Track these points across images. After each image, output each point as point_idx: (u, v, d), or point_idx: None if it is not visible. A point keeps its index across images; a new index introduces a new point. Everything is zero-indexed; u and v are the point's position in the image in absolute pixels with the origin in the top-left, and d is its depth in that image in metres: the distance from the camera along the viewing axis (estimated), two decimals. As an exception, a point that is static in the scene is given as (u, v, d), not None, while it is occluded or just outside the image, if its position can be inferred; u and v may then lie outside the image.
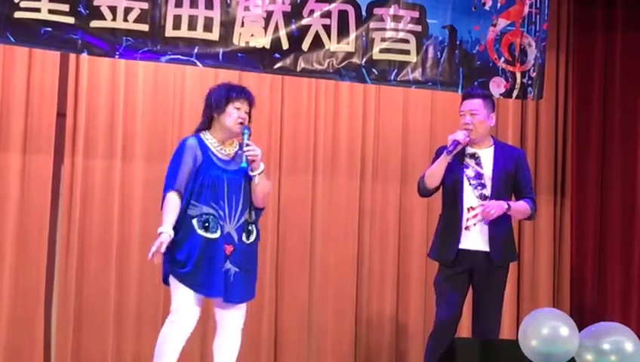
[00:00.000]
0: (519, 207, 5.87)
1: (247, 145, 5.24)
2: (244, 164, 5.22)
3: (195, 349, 6.59)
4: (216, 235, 5.19)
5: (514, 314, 7.51)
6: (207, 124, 5.35)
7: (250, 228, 5.30)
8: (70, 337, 6.68)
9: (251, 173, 5.25)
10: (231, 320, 5.31)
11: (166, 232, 5.13)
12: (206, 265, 5.15)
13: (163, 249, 5.12)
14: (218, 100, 5.31)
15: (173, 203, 5.19)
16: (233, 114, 5.28)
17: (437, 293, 5.88)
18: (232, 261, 5.20)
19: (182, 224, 5.19)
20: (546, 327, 4.80)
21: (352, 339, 7.29)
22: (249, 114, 5.35)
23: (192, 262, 5.15)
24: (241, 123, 5.28)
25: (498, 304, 5.87)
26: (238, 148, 5.31)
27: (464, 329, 6.56)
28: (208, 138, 5.31)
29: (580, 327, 4.88)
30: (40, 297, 6.65)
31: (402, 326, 7.40)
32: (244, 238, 5.26)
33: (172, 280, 5.23)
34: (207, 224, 5.18)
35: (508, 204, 5.78)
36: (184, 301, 5.19)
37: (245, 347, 6.99)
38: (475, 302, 5.87)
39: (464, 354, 5.31)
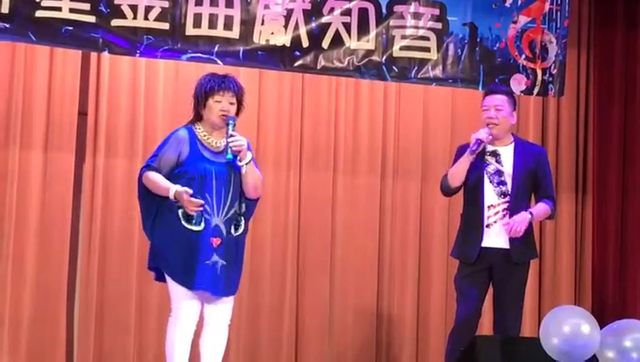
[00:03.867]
0: (540, 211, 5.87)
1: (232, 135, 5.14)
2: (229, 156, 5.13)
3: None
4: (199, 228, 5.10)
5: (535, 311, 7.48)
6: (197, 116, 5.30)
7: (239, 220, 5.25)
8: (92, 335, 6.69)
9: (239, 164, 5.17)
10: (217, 316, 5.23)
11: (174, 187, 5.06)
12: (190, 258, 5.08)
13: (190, 195, 5.03)
14: (199, 95, 5.26)
15: (155, 175, 5.15)
16: (214, 108, 5.20)
17: (457, 291, 5.89)
18: (219, 253, 5.11)
19: (164, 215, 5.14)
20: (568, 325, 4.79)
21: (373, 338, 7.28)
22: (238, 103, 5.26)
23: (177, 255, 5.09)
24: (223, 115, 5.19)
25: (519, 301, 5.86)
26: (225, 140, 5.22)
27: (485, 326, 6.56)
28: (199, 129, 5.25)
29: (602, 325, 4.86)
30: (62, 296, 6.68)
31: (423, 324, 7.38)
32: (232, 231, 5.20)
33: (167, 276, 5.19)
34: (190, 216, 5.09)
35: (530, 213, 5.76)
36: (179, 297, 5.15)
37: (266, 346, 7.09)
38: (496, 300, 5.86)
39: (485, 351, 5.30)
